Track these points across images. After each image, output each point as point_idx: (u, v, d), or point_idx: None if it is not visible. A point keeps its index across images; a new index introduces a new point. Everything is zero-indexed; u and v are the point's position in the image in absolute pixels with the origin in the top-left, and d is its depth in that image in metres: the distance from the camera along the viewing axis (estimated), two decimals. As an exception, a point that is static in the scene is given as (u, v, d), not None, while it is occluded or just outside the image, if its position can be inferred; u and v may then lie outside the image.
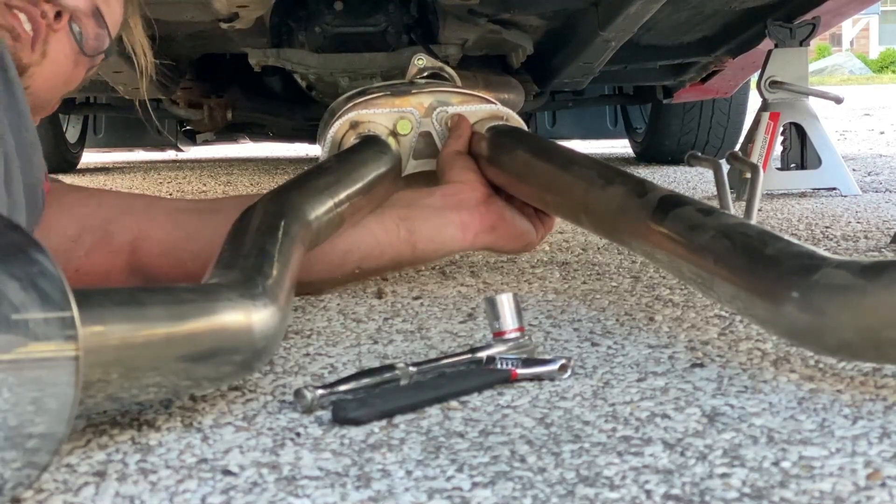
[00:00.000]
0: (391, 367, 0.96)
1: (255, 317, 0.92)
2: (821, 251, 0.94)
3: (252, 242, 1.09)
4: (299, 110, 3.40)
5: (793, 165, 2.97)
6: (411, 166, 1.61)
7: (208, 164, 5.50)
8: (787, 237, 0.98)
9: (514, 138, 1.51)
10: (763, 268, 0.96)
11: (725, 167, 2.21)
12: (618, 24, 2.13)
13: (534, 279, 1.58)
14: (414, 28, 2.52)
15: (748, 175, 2.28)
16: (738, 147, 3.43)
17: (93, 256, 1.33)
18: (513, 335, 1.03)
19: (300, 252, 1.18)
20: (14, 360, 0.66)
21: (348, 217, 1.36)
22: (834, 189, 2.89)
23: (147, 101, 1.72)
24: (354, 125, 1.57)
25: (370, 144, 1.54)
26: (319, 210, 1.28)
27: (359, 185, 1.39)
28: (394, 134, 1.58)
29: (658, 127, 4.43)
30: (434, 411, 0.91)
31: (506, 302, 1.04)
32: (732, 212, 1.89)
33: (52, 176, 1.37)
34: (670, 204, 1.13)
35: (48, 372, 0.67)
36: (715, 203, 1.86)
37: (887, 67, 26.37)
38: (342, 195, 1.34)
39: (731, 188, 2.31)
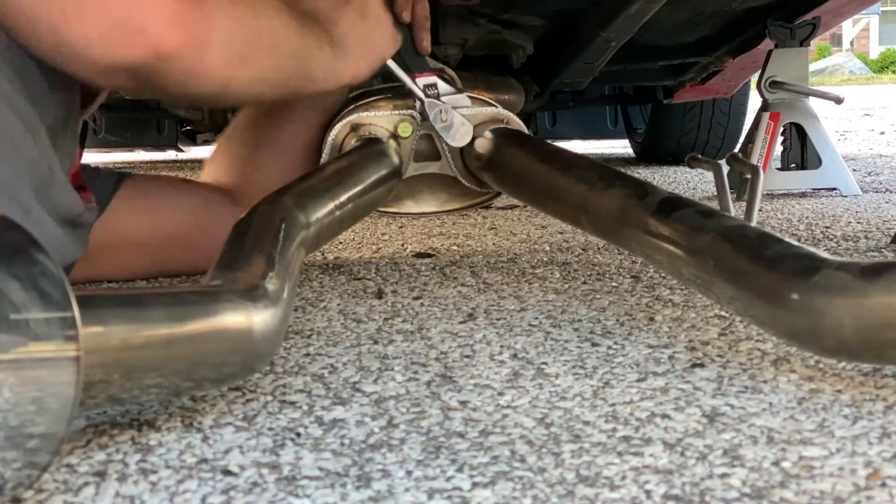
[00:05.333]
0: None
1: (256, 318, 0.92)
2: (821, 252, 0.94)
3: (253, 244, 1.09)
4: (299, 111, 3.40)
5: (793, 166, 2.96)
6: (412, 169, 1.62)
7: (209, 165, 5.49)
8: (786, 239, 0.98)
9: (513, 141, 1.51)
10: (763, 270, 0.96)
11: (726, 169, 2.21)
12: (618, 24, 2.13)
13: (534, 279, 1.58)
14: (414, 28, 2.51)
15: (748, 176, 2.28)
16: (738, 147, 3.42)
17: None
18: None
19: (301, 254, 1.18)
20: (14, 359, 0.66)
21: (349, 219, 1.36)
22: (834, 189, 2.89)
23: None
24: (355, 128, 1.57)
25: (371, 147, 1.54)
26: (320, 212, 1.29)
27: (360, 188, 1.39)
28: (395, 136, 1.58)
29: (658, 127, 4.43)
30: (434, 411, 0.91)
31: None
32: (733, 213, 1.89)
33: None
34: (670, 206, 1.13)
35: (49, 372, 0.67)
36: (715, 204, 1.87)
37: (887, 67, 26.37)
38: (343, 197, 1.35)
39: (731, 188, 2.31)
